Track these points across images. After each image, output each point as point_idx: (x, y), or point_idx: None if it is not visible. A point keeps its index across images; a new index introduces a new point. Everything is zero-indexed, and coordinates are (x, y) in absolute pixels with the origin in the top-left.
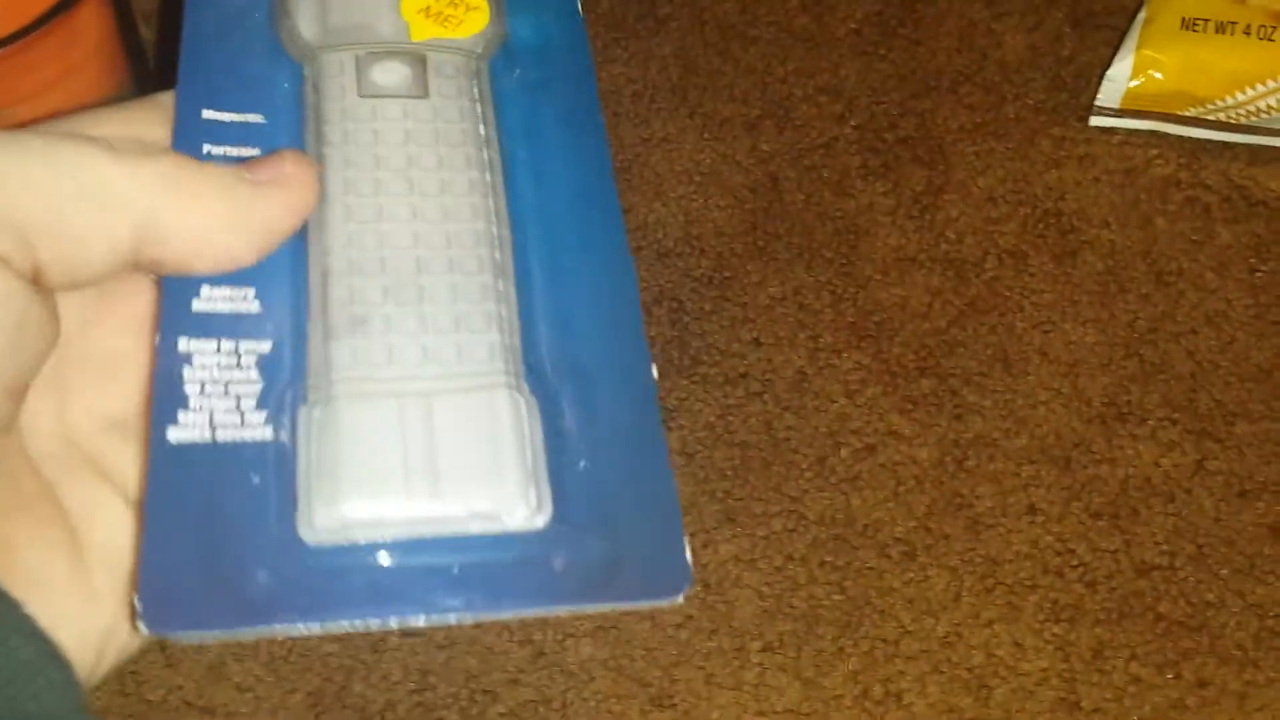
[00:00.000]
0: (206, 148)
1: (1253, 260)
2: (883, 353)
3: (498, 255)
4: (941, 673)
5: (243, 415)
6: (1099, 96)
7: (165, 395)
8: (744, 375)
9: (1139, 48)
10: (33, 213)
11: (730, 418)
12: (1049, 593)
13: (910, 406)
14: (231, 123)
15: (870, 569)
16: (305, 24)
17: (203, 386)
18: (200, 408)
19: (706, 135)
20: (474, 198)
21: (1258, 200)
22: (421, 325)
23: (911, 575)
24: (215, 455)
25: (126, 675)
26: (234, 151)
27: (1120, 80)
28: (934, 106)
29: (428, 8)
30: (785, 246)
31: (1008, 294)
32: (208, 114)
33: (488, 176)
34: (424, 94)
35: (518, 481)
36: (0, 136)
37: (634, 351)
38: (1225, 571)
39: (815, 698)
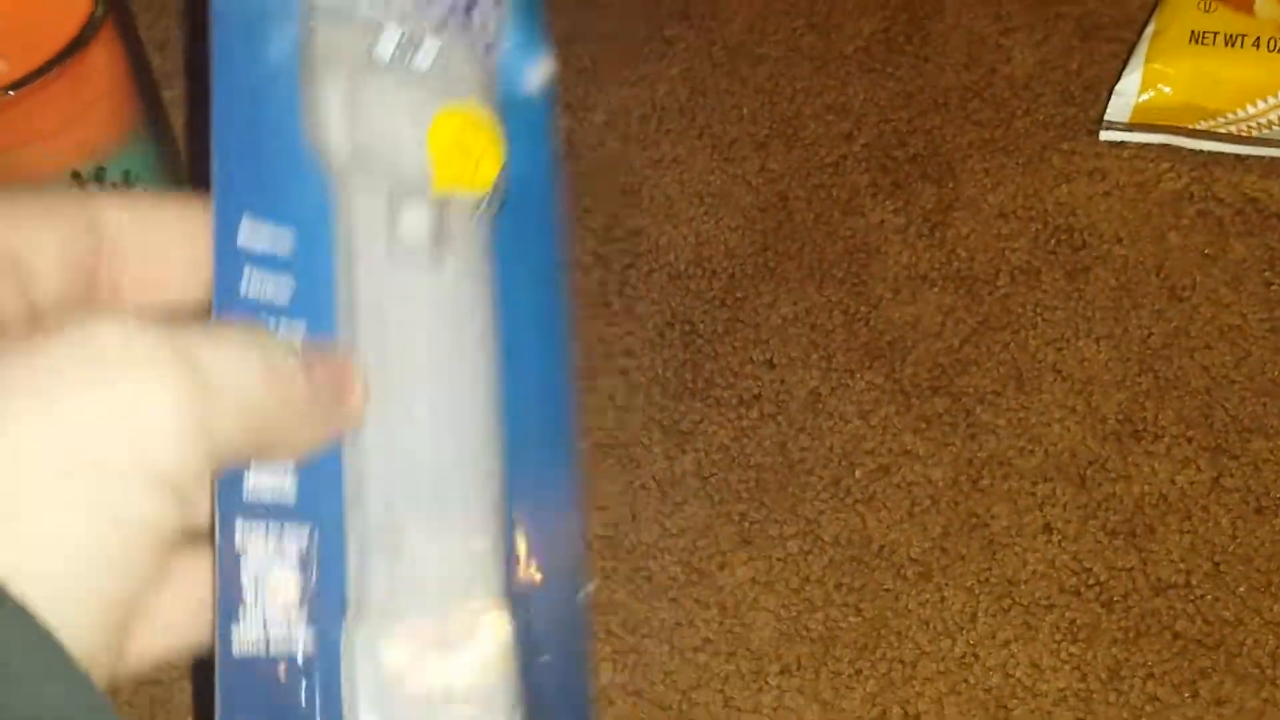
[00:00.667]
0: (247, 271)
1: (1267, 274)
2: (895, 372)
3: (498, 462)
4: (959, 694)
5: (289, 621)
6: (1109, 111)
7: (226, 602)
8: (758, 396)
9: (1148, 61)
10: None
11: (745, 439)
12: (1066, 612)
13: (924, 426)
14: (267, 240)
15: (887, 590)
16: (334, 144)
17: (255, 582)
18: (256, 610)
19: (716, 156)
20: (482, 391)
21: (1271, 213)
22: (440, 549)
23: (928, 596)
24: (269, 663)
25: None
26: (271, 284)
27: (1130, 94)
28: (943, 123)
29: (453, 143)
30: (796, 266)
31: (1020, 311)
32: (246, 223)
33: (492, 361)
34: (443, 255)
35: (510, 706)
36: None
37: (573, 571)
38: (1242, 589)
39: None
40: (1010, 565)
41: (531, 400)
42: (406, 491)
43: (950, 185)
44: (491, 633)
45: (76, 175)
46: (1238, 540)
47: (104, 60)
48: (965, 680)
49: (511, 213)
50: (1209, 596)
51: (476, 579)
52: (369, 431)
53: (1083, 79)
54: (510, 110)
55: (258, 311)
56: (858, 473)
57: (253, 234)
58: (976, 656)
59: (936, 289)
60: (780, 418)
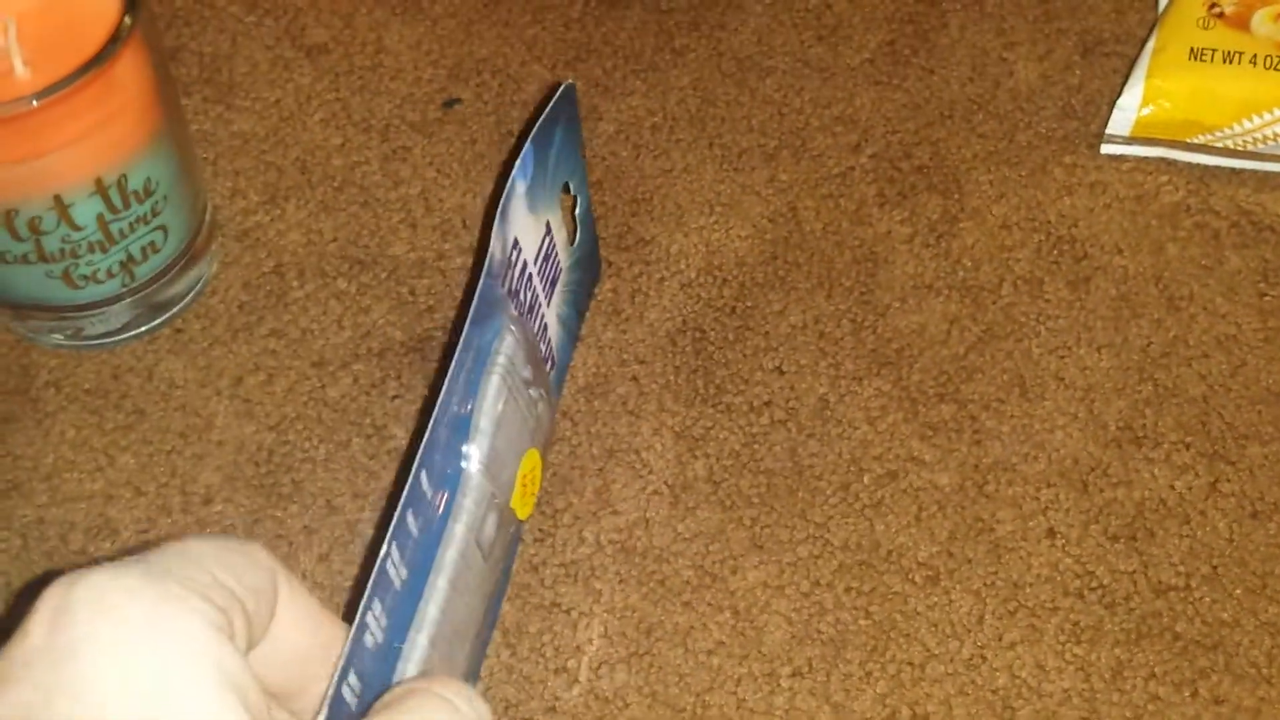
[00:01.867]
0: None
1: (1261, 285)
2: (903, 380)
3: (477, 649)
4: (967, 694)
5: None
6: (1110, 125)
7: None
8: (768, 403)
9: (1148, 77)
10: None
11: (755, 445)
12: (1070, 614)
13: (930, 433)
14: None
15: (895, 593)
16: (482, 436)
17: None
18: None
19: (725, 166)
20: (478, 621)
21: (1266, 226)
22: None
23: (935, 599)
24: None
25: None
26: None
27: (1130, 109)
28: (948, 135)
29: (525, 479)
30: (805, 275)
31: (1023, 320)
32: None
33: (487, 612)
34: (488, 555)
35: None
36: None
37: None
38: (1239, 591)
39: None
40: (1015, 569)
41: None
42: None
43: (956, 196)
44: None
45: (100, 183)
46: (1234, 544)
47: (129, 70)
48: (973, 681)
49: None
50: (1207, 598)
51: None
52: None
53: (1084, 93)
54: None
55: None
56: (866, 478)
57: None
58: (983, 658)
59: (942, 298)
60: (790, 424)
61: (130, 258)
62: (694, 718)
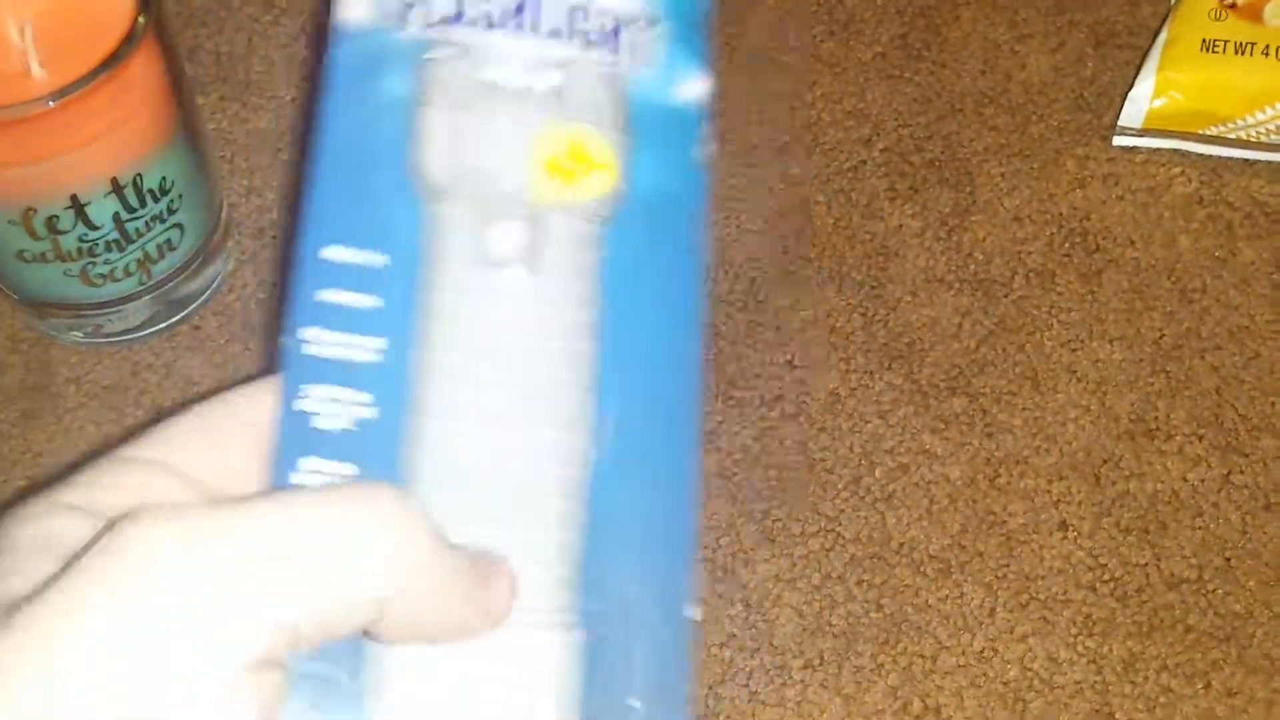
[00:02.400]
0: (324, 294)
1: (1275, 276)
2: (914, 373)
3: (579, 473)
4: (978, 686)
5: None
6: (1122, 117)
7: None
8: (779, 397)
9: (1160, 69)
10: (306, 608)
11: (767, 439)
12: (1082, 607)
13: (942, 426)
14: (354, 264)
15: (907, 586)
16: (434, 164)
17: None
18: None
19: (738, 161)
20: (566, 405)
21: (1278, 216)
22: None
23: (947, 592)
24: None
25: None
26: (352, 300)
27: (1142, 101)
28: (959, 128)
29: (554, 161)
30: (816, 270)
31: (1035, 313)
32: (332, 252)
33: (583, 377)
34: (536, 268)
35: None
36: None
37: (675, 586)
38: (1252, 583)
39: (856, 713)
40: (1027, 561)
41: (644, 415)
42: (464, 497)
43: (967, 189)
44: (547, 654)
45: (116, 182)
46: (1247, 536)
47: (144, 70)
48: (984, 673)
49: (640, 227)
50: (1220, 591)
51: (531, 583)
52: (435, 446)
53: (1096, 85)
54: (651, 124)
55: (331, 319)
56: (877, 472)
57: (340, 255)
58: (995, 650)
59: (953, 291)
60: (801, 418)
61: (147, 256)
62: (706, 710)
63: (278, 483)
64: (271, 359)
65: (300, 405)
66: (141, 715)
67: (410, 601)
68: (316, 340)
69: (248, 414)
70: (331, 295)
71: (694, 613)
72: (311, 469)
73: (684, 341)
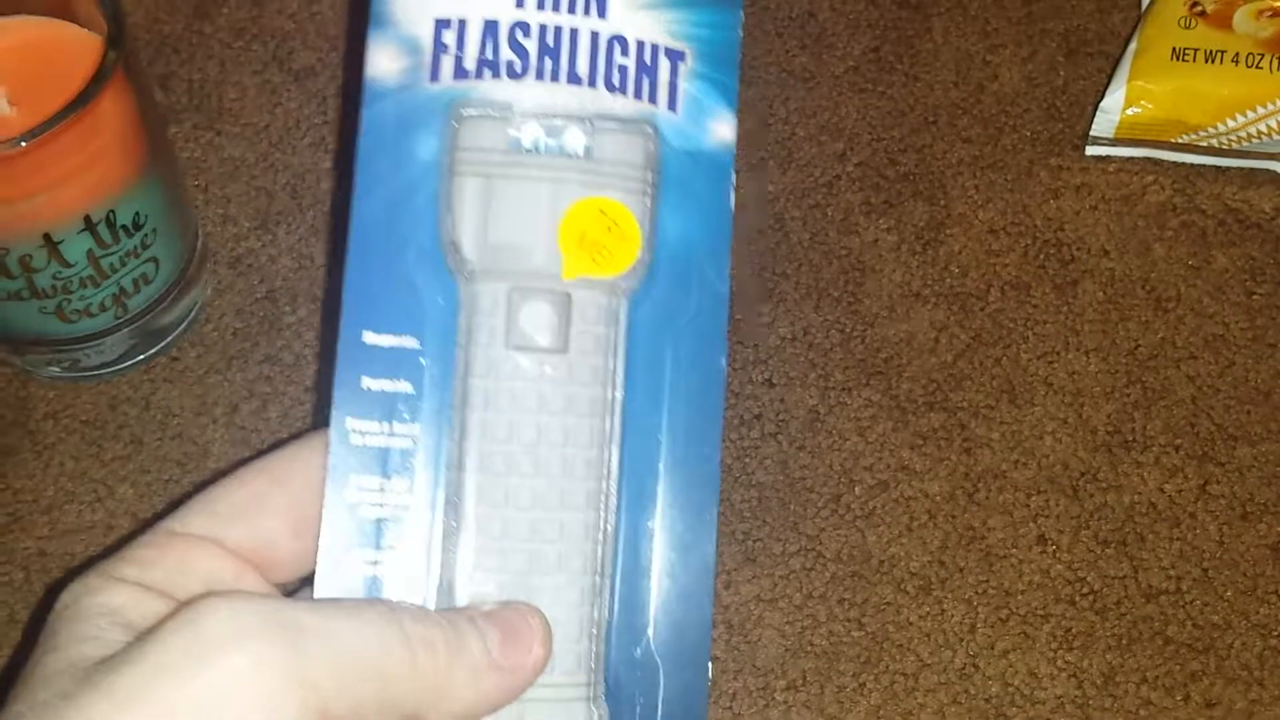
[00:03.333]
0: (365, 382)
1: (1249, 283)
2: (892, 389)
3: (601, 550)
4: (960, 704)
5: None
6: (1094, 127)
7: None
8: (758, 416)
9: (1131, 79)
10: (341, 695)
11: (747, 459)
12: (1061, 621)
13: (920, 441)
14: (389, 348)
15: (888, 604)
16: (467, 241)
17: None
18: None
19: None
20: (590, 483)
21: (1252, 223)
22: None
23: (928, 609)
24: None
25: None
26: (389, 386)
27: (1114, 111)
28: (933, 141)
29: (583, 234)
30: (794, 286)
31: (1011, 325)
32: (369, 337)
33: (606, 453)
34: (564, 347)
35: None
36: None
37: (699, 647)
38: (1230, 593)
39: None
40: (1007, 576)
41: (674, 463)
42: (496, 572)
43: (942, 202)
44: None
45: (88, 220)
46: (1225, 546)
47: (114, 106)
48: (966, 690)
49: (667, 282)
50: (1198, 602)
51: (563, 659)
52: (467, 514)
53: (1068, 94)
54: (682, 171)
55: (374, 407)
56: (857, 489)
57: (377, 340)
58: (976, 667)
59: (930, 305)
60: (781, 436)
61: (123, 290)
62: None
63: (328, 573)
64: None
65: (348, 496)
66: None
67: (362, 683)
68: (361, 430)
69: (286, 479)
70: (374, 383)
71: (711, 671)
72: (359, 559)
73: (707, 408)
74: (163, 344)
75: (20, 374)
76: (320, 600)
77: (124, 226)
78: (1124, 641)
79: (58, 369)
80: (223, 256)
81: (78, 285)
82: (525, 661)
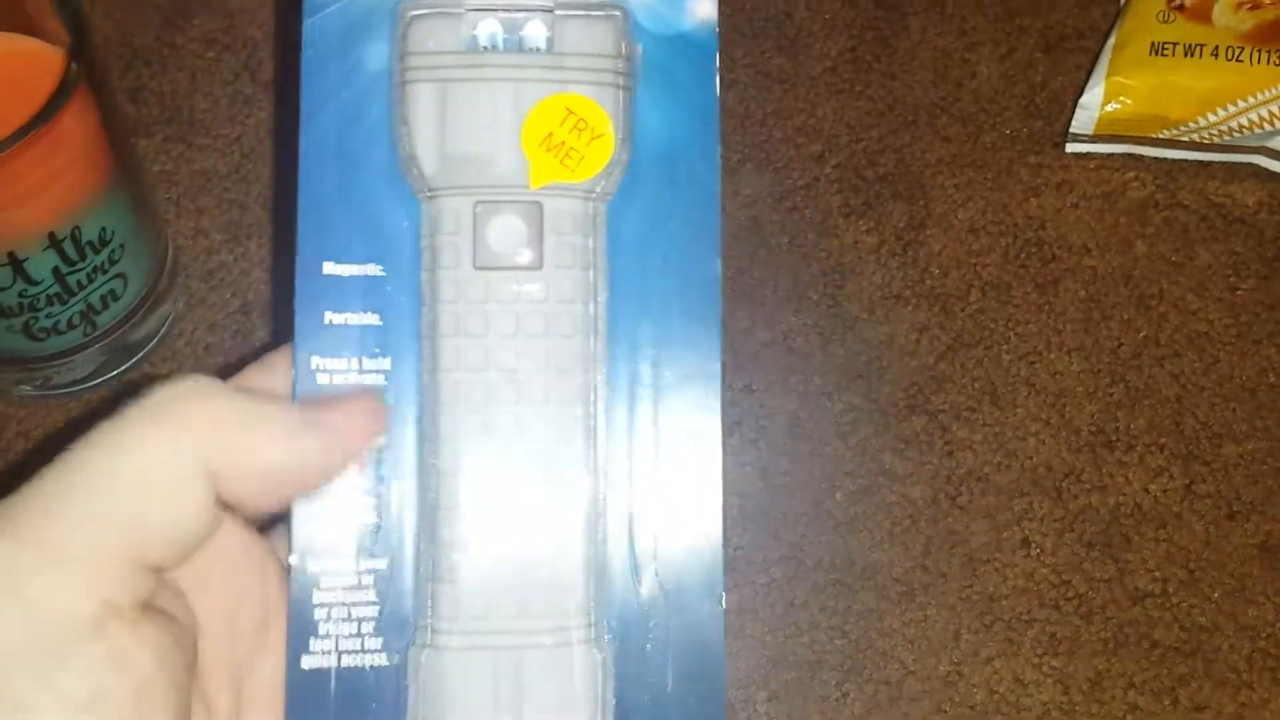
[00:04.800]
0: (328, 316)
1: (1232, 279)
2: (873, 392)
3: (595, 484)
4: (944, 712)
5: (363, 641)
6: (1074, 123)
7: (296, 623)
8: (739, 424)
9: (1110, 74)
10: (118, 530)
11: (727, 467)
12: (1046, 626)
13: (902, 445)
14: (351, 277)
15: (871, 611)
16: (424, 154)
17: (329, 612)
18: (328, 634)
19: None
20: (577, 408)
21: (1235, 218)
22: (516, 574)
23: (911, 615)
24: (340, 680)
25: None
26: (355, 320)
27: (1093, 107)
28: (911, 141)
29: (549, 136)
30: (773, 290)
31: (993, 326)
32: (329, 268)
33: (593, 375)
34: (538, 263)
35: None
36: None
37: (708, 577)
38: (1217, 594)
39: None
40: (991, 581)
41: (664, 405)
42: (482, 520)
43: (921, 203)
44: (571, 665)
45: (53, 237)
46: (1211, 546)
47: (77, 121)
48: (950, 698)
49: (651, 182)
50: (1185, 604)
51: (559, 603)
52: (449, 472)
53: (1047, 91)
54: (659, 57)
55: (340, 343)
56: (839, 495)
57: (338, 269)
58: (961, 674)
59: (911, 307)
60: (761, 443)
61: (90, 308)
62: None
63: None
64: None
65: None
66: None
67: (234, 461)
68: (326, 369)
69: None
70: (337, 317)
71: (724, 601)
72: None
73: (701, 318)
74: (134, 359)
75: None
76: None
77: (90, 243)
78: (1110, 645)
79: (29, 388)
80: (195, 270)
81: (44, 303)
82: (347, 422)
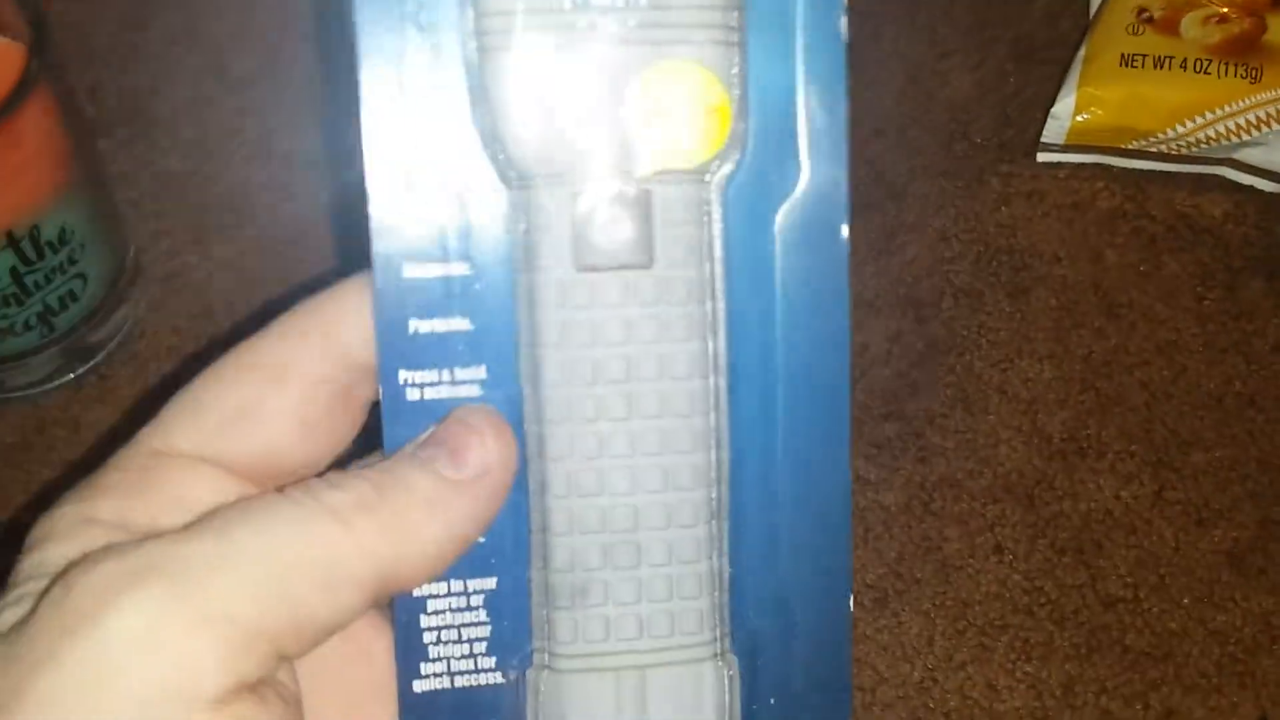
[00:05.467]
0: (414, 325)
1: (1199, 288)
2: None
3: (714, 494)
4: (918, 718)
5: (476, 661)
6: (1044, 133)
7: (406, 647)
8: None
9: (1081, 85)
10: (271, 611)
11: None
12: (1019, 632)
13: (875, 451)
14: (435, 279)
15: None
16: (510, 135)
17: (439, 634)
18: (438, 656)
19: None
20: (694, 419)
21: (1201, 228)
22: (637, 593)
23: (884, 622)
24: (455, 701)
25: None
26: (441, 327)
27: (1064, 117)
28: (885, 150)
29: (658, 113)
30: None
31: (965, 333)
32: (410, 270)
33: (710, 380)
34: (647, 260)
35: None
36: (222, 522)
37: (836, 579)
38: (1187, 600)
39: None
40: (964, 587)
41: (800, 384)
42: (597, 532)
43: (894, 211)
44: (697, 683)
45: (10, 236)
46: (1180, 552)
47: (37, 118)
48: (924, 704)
49: (764, 151)
50: (1156, 609)
51: (683, 620)
52: (559, 491)
53: (1019, 100)
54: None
55: (428, 354)
56: None
57: (418, 271)
58: (934, 680)
59: (883, 315)
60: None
61: (48, 309)
62: None
63: None
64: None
65: None
66: None
67: (396, 565)
68: (416, 383)
69: (284, 373)
70: (422, 325)
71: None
72: None
73: (829, 313)
74: (92, 362)
75: None
76: (208, 519)
77: (49, 242)
78: (1083, 651)
79: None
80: (156, 273)
81: (0, 303)
82: (486, 461)
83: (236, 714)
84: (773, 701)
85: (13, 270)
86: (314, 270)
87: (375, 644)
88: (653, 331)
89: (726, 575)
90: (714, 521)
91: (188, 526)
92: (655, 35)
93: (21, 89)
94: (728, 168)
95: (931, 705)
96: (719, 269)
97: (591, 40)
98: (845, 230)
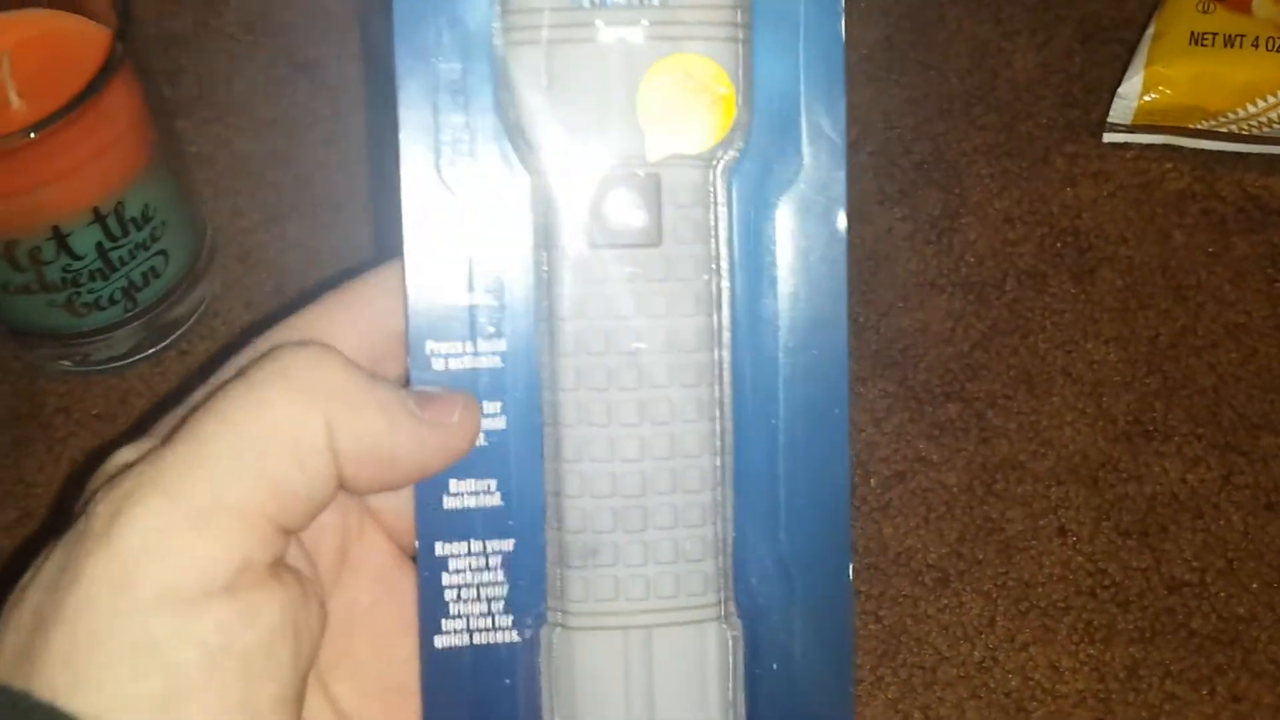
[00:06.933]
0: (443, 299)
1: (1270, 270)
2: (908, 379)
3: (719, 461)
4: (979, 698)
5: (494, 619)
6: (1111, 113)
7: (428, 604)
8: None
9: (1149, 64)
10: (254, 490)
11: None
12: (1082, 614)
13: (937, 432)
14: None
15: (905, 597)
16: (531, 125)
17: (459, 592)
18: (458, 614)
19: None
20: (700, 389)
21: (1273, 210)
22: (645, 555)
23: (946, 601)
24: (474, 658)
25: None
26: (468, 300)
27: (1131, 97)
28: (948, 129)
29: (668, 101)
30: None
31: (1029, 315)
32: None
33: (715, 353)
34: (656, 239)
35: (719, 713)
36: (195, 428)
37: (836, 548)
38: (1255, 585)
39: None
40: (1026, 568)
41: (797, 365)
42: (607, 495)
43: (956, 191)
44: (701, 642)
45: (97, 212)
46: (1249, 537)
47: (122, 98)
48: (985, 684)
49: (768, 140)
50: (1223, 594)
51: (688, 581)
52: (572, 454)
53: (1084, 81)
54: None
55: (454, 324)
56: (873, 481)
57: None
58: (995, 660)
59: (946, 295)
60: None
61: (132, 284)
62: None
63: (425, 506)
64: None
65: None
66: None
67: (357, 440)
68: (441, 353)
69: (325, 333)
70: (451, 298)
71: (851, 572)
72: (456, 490)
73: (827, 293)
74: (172, 338)
75: (31, 369)
76: (184, 424)
77: (133, 219)
78: (1147, 634)
79: (68, 363)
80: (231, 251)
81: (87, 278)
82: (448, 419)
83: (251, 600)
84: (775, 667)
85: (99, 245)
86: (381, 249)
87: (403, 584)
88: (661, 305)
89: (731, 541)
90: (718, 489)
91: (167, 437)
92: (667, 32)
93: (108, 69)
94: (732, 154)
95: (992, 685)
96: (723, 249)
97: (606, 36)
98: (842, 218)
